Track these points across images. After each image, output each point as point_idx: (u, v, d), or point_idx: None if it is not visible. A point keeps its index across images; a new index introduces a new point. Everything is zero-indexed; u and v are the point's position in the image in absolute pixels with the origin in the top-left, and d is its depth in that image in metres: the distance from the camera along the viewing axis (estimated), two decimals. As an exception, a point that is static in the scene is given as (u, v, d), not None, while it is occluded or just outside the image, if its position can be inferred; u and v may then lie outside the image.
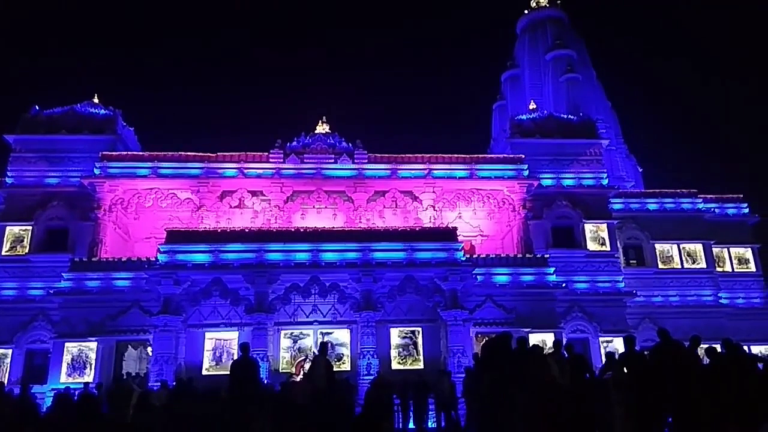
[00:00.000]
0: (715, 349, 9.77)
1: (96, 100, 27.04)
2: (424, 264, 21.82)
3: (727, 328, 25.24)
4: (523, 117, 28.81)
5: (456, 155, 26.58)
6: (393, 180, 25.75)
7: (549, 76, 35.26)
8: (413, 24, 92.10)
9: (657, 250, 28.10)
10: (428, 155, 26.40)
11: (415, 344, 21.99)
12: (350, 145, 26.40)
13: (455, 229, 23.67)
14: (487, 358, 8.94)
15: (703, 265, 28.12)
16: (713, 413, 8.34)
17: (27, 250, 24.00)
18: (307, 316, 22.05)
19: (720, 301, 27.64)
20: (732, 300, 28.16)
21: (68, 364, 21.16)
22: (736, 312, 27.58)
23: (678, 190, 29.42)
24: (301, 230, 22.88)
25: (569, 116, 29.26)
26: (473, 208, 26.98)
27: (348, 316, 21.79)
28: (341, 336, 21.94)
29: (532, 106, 30.51)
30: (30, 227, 24.25)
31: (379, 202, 25.76)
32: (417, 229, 23.56)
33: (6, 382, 20.97)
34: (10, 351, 22.51)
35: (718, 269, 28.67)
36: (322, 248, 21.84)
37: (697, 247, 28.37)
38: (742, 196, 30.65)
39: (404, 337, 22.12)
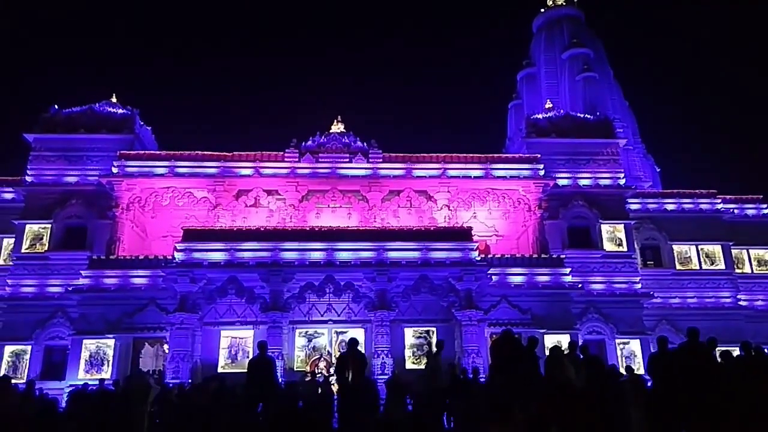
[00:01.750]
0: (730, 352, 9.63)
1: (114, 100, 27.32)
2: (439, 264, 21.78)
3: (746, 330, 24.89)
4: (539, 116, 28.63)
5: (471, 155, 26.48)
6: (408, 179, 25.72)
7: (565, 74, 35.01)
8: (429, 23, 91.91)
9: (675, 251, 27.77)
10: (443, 155, 26.34)
11: (430, 344, 21.94)
12: (365, 144, 26.41)
13: (470, 228, 23.58)
14: (500, 358, 8.88)
15: (721, 266, 27.75)
16: (729, 418, 8.21)
17: (46, 248, 24.31)
18: (322, 315, 22.15)
19: (739, 303, 27.25)
20: (751, 302, 27.74)
21: (86, 360, 21.43)
22: (756, 314, 27.19)
23: (696, 191, 29.05)
24: (316, 229, 22.94)
25: (586, 115, 29.00)
26: (488, 208, 26.86)
27: (362, 315, 21.83)
28: (355, 335, 21.92)
29: (549, 105, 30.32)
30: (49, 225, 24.56)
31: (394, 202, 25.74)
32: (432, 228, 23.52)
33: (25, 377, 21.33)
34: (29, 347, 22.85)
35: (737, 271, 28.28)
36: (337, 247, 21.88)
37: (716, 248, 28.00)
38: (761, 196, 30.19)
39: (418, 337, 22.12)
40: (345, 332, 21.91)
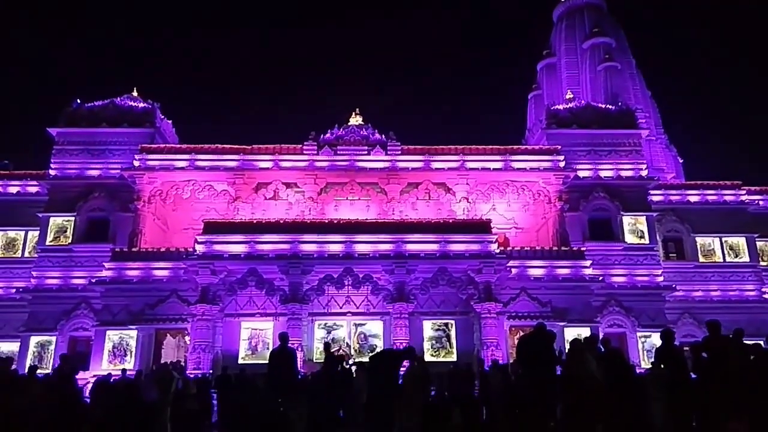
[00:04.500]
0: (760, 345, 9.48)
1: (135, 94, 27.58)
2: (458, 256, 21.71)
3: (771, 324, 24.49)
4: (560, 107, 28.30)
5: (490, 146, 26.26)
6: (426, 172, 25.62)
7: (586, 64, 34.56)
8: (448, 13, 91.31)
9: (698, 244, 27.37)
10: (462, 147, 26.16)
11: (449, 337, 21.98)
12: (383, 136, 26.32)
13: (489, 221, 23.47)
14: (527, 356, 8.84)
15: (746, 259, 27.29)
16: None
17: (70, 240, 24.71)
18: (341, 307, 22.28)
19: (763, 296, 26.77)
20: (776, 295, 27.26)
21: (109, 351, 21.81)
22: (780, 308, 26.72)
23: (721, 182, 28.54)
24: (335, 222, 23.02)
25: (607, 106, 28.60)
26: (508, 200, 26.68)
27: (381, 307, 21.90)
28: (374, 327, 22.07)
29: (569, 95, 29.98)
30: (72, 218, 24.94)
31: (413, 194, 25.66)
32: (450, 221, 23.45)
33: (50, 368, 21.72)
34: (54, 338, 23.33)
35: (762, 263, 27.75)
36: (356, 240, 21.92)
37: (740, 241, 27.52)
38: (788, 188, 29.61)
39: (437, 330, 22.13)
40: (364, 324, 22.04)
